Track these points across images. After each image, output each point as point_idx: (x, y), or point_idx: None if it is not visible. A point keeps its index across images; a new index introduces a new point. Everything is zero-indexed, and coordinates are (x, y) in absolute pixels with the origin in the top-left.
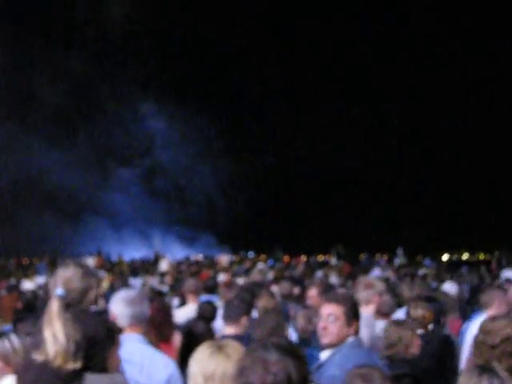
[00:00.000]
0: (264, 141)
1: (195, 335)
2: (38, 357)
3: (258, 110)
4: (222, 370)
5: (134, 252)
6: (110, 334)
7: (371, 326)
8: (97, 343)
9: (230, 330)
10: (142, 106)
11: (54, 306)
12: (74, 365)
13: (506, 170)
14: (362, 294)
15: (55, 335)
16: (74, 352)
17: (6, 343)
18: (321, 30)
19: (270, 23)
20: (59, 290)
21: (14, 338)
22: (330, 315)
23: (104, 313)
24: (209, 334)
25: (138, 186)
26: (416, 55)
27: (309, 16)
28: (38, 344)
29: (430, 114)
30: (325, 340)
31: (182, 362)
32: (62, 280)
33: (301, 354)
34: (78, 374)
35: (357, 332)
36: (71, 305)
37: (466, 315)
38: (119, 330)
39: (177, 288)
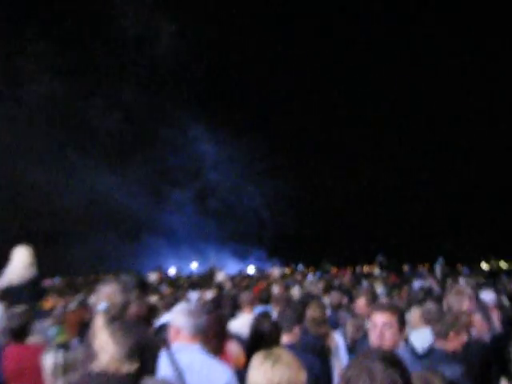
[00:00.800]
0: (306, 159)
1: (261, 337)
2: (94, 366)
3: (301, 131)
4: (287, 378)
5: (190, 267)
6: (157, 345)
7: None
8: (148, 350)
9: (285, 338)
10: (191, 130)
11: (98, 321)
12: (127, 368)
13: None
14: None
15: (103, 346)
16: (126, 357)
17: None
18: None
19: (322, 53)
20: (102, 305)
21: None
22: (385, 324)
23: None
24: (275, 338)
25: (191, 205)
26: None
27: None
28: (92, 356)
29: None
30: (383, 346)
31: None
32: (104, 295)
33: (403, 364)
34: (133, 377)
35: (405, 338)
36: (115, 318)
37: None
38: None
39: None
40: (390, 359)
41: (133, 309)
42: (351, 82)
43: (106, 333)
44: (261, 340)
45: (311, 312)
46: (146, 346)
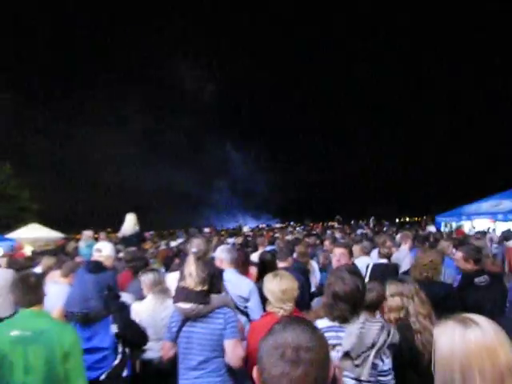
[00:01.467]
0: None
1: (267, 262)
2: (182, 284)
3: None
4: (289, 286)
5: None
6: (220, 273)
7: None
8: (215, 277)
9: (282, 264)
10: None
11: (191, 258)
12: (201, 288)
13: None
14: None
15: (191, 273)
16: (202, 281)
17: (150, 276)
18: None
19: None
20: (194, 249)
21: (154, 273)
22: (341, 254)
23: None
24: (274, 263)
25: (226, 189)
26: None
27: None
28: (182, 277)
29: None
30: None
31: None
32: (195, 244)
33: (360, 273)
34: (206, 293)
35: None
36: (199, 257)
37: None
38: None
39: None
40: (353, 271)
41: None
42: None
43: (193, 265)
44: (265, 265)
45: (299, 248)
46: (214, 275)
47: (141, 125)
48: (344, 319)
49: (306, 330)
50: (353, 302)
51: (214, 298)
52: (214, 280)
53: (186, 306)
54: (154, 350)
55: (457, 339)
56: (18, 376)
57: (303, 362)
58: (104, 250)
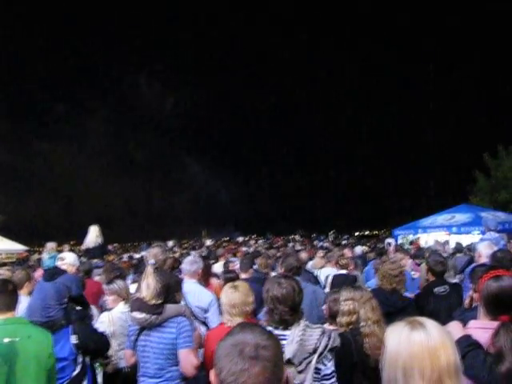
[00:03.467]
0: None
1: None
2: (138, 295)
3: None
4: (236, 301)
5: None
6: (178, 283)
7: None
8: (171, 288)
9: (243, 275)
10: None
11: (149, 269)
12: (158, 301)
13: None
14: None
15: (148, 285)
16: (157, 295)
17: (116, 285)
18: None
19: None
20: (151, 260)
21: (121, 282)
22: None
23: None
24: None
25: (193, 207)
26: None
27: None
28: (139, 288)
29: None
30: None
31: None
32: (152, 255)
33: (296, 279)
34: (160, 305)
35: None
36: (157, 267)
37: None
38: (181, 280)
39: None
40: (289, 277)
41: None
42: None
43: (150, 277)
44: (229, 279)
45: (260, 260)
46: (170, 285)
47: (104, 140)
48: (285, 322)
49: (263, 331)
50: (292, 304)
51: (168, 308)
52: (170, 290)
53: (139, 315)
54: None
55: (402, 339)
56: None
57: (261, 359)
58: (67, 258)
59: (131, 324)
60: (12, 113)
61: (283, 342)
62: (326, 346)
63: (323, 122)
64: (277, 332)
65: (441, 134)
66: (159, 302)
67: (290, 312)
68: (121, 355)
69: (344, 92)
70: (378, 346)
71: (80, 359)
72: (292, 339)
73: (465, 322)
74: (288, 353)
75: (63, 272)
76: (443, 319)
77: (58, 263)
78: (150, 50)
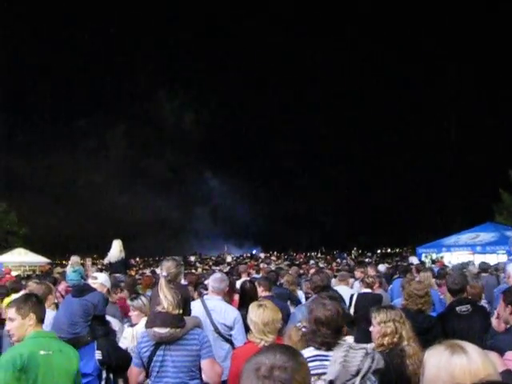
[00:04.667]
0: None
1: (246, 290)
2: (158, 308)
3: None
4: (268, 319)
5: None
6: (189, 296)
7: None
8: (186, 300)
9: (264, 293)
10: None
11: (162, 281)
12: (178, 311)
13: None
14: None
15: (166, 296)
16: (177, 305)
17: (140, 300)
18: None
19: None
20: (164, 273)
21: (143, 298)
22: None
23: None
24: (254, 292)
25: (208, 217)
26: None
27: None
28: (157, 301)
29: None
30: None
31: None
32: (165, 268)
33: (340, 299)
34: (181, 316)
35: None
36: (171, 281)
37: None
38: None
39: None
40: (333, 296)
41: (188, 277)
42: None
43: (165, 289)
44: (245, 293)
45: (287, 277)
46: (186, 299)
47: (124, 154)
48: (327, 344)
49: (285, 353)
50: (335, 327)
51: (188, 320)
52: (186, 302)
53: (162, 330)
54: None
55: (443, 363)
56: None
57: (274, 379)
58: (99, 278)
59: (142, 340)
60: (37, 126)
61: (325, 363)
62: (370, 368)
63: (349, 139)
64: (319, 352)
65: (466, 151)
66: (180, 312)
67: (332, 335)
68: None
69: (370, 110)
70: (418, 365)
71: (104, 375)
72: (335, 360)
73: (497, 346)
74: (330, 374)
75: (92, 289)
76: (468, 340)
77: (90, 282)
78: (170, 64)
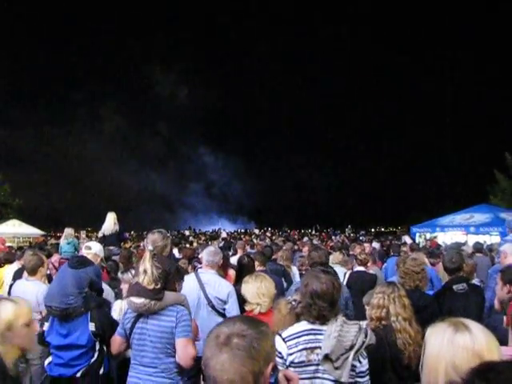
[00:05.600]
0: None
1: (244, 265)
2: (136, 279)
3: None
4: (262, 285)
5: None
6: (179, 271)
7: None
8: (170, 274)
9: (259, 268)
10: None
11: (147, 255)
12: (155, 286)
13: None
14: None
15: (145, 270)
16: (155, 279)
17: (130, 274)
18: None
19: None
20: (150, 246)
21: (134, 271)
22: None
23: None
24: (252, 266)
25: (203, 192)
26: None
27: None
28: (137, 273)
29: None
30: None
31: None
32: (151, 241)
33: (334, 272)
34: (159, 290)
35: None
36: (156, 254)
37: None
38: (184, 271)
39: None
40: (327, 271)
41: (183, 251)
42: None
43: (148, 263)
44: (242, 268)
45: (282, 252)
46: (169, 272)
47: (118, 128)
48: (323, 318)
49: (245, 321)
50: (330, 300)
51: (168, 295)
52: (169, 277)
53: (137, 300)
54: None
55: (445, 341)
56: None
57: (232, 347)
58: (93, 248)
59: (127, 311)
60: (25, 99)
61: (319, 337)
62: (363, 343)
63: (344, 117)
64: (313, 327)
65: (461, 133)
66: (158, 286)
67: (328, 308)
68: None
69: (361, 87)
70: (410, 342)
71: (97, 347)
72: (329, 334)
73: (493, 325)
74: (325, 348)
75: (90, 262)
76: (460, 317)
77: (84, 252)
78: (164, 40)
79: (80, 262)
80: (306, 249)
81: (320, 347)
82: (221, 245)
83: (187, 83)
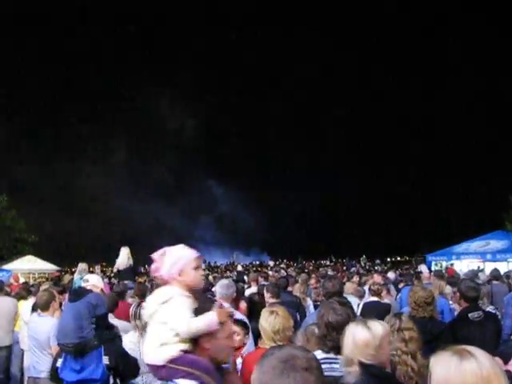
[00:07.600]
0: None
1: (255, 302)
2: None
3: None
4: (279, 327)
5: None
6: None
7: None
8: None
9: (272, 300)
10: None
11: None
12: None
13: None
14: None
15: None
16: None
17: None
18: None
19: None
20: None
21: None
22: None
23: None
24: (262, 302)
25: (214, 225)
26: None
27: None
28: None
29: None
30: None
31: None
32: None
33: (350, 304)
34: None
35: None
36: None
37: None
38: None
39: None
40: (343, 302)
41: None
42: None
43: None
44: (254, 305)
45: (299, 285)
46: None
47: (127, 162)
48: (338, 349)
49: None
50: None
51: None
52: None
53: None
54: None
55: (453, 369)
56: None
57: (314, 369)
58: (91, 280)
59: None
60: (45, 134)
61: (334, 366)
62: None
63: (353, 144)
64: (328, 355)
65: (476, 158)
66: None
67: None
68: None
69: (382, 113)
70: (411, 375)
71: (111, 381)
72: None
73: (506, 352)
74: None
75: (88, 291)
76: (478, 346)
77: (83, 285)
78: (171, 71)
79: (77, 294)
80: (313, 281)
81: (333, 377)
82: (234, 277)
83: (195, 115)
